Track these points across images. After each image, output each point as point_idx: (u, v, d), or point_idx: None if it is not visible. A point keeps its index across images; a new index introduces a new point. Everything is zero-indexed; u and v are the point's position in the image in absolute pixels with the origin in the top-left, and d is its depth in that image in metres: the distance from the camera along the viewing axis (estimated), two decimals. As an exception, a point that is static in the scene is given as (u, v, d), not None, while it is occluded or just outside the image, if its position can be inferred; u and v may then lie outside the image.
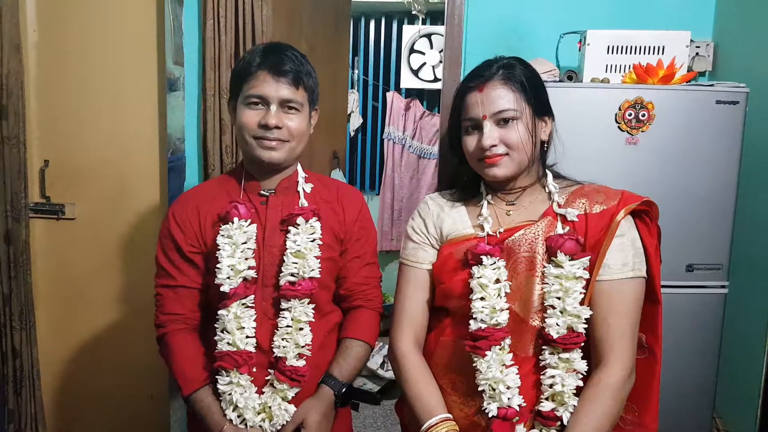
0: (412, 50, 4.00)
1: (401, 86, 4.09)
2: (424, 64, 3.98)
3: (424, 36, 3.97)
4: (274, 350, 1.23)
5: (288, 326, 1.23)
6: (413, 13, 3.83)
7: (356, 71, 4.15)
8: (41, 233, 2.15)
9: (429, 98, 4.15)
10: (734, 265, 1.60)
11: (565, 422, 1.09)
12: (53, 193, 2.13)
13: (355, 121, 4.16)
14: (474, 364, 1.12)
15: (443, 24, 3.85)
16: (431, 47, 3.97)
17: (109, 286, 2.17)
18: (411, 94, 4.14)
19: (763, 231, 1.66)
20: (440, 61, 3.91)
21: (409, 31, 3.99)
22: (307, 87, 1.26)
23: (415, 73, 4.01)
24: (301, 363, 1.23)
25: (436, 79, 3.97)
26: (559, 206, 1.16)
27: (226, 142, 1.94)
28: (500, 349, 1.11)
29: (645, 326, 1.18)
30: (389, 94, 4.13)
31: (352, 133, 4.18)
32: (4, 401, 2.07)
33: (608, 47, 1.68)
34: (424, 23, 4.03)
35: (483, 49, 1.91)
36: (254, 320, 1.23)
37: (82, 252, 2.16)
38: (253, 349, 1.22)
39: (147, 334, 2.08)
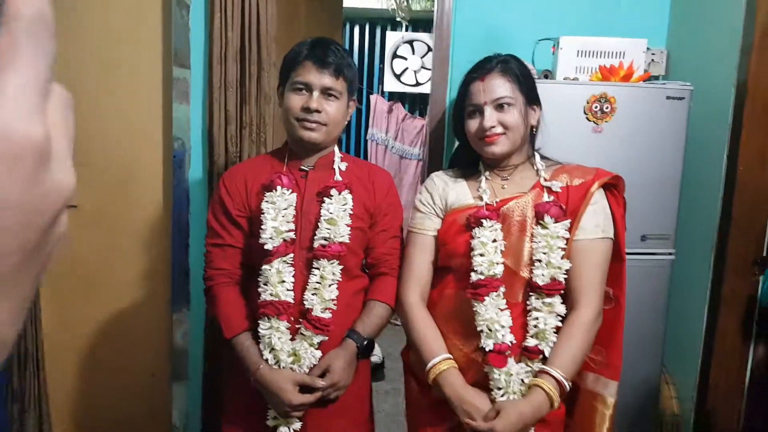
0: (395, 55, 4.22)
1: (384, 89, 4.29)
2: (407, 69, 4.21)
3: (407, 42, 4.21)
4: (305, 303, 1.39)
5: (317, 282, 1.39)
6: (397, 20, 4.06)
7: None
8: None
9: (411, 101, 4.35)
10: (680, 235, 1.85)
11: (546, 355, 1.33)
12: None
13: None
14: (474, 309, 1.34)
15: (425, 31, 4.12)
16: (413, 53, 4.21)
17: (110, 272, 2.23)
18: (393, 97, 4.34)
19: (703, 206, 1.91)
20: (422, 67, 4.12)
21: (393, 38, 4.22)
22: (346, 78, 1.41)
23: (398, 77, 4.23)
24: (327, 315, 1.38)
25: (417, 84, 4.20)
26: (546, 180, 1.41)
27: (230, 133, 2.07)
28: (496, 295, 1.34)
29: (612, 281, 1.43)
30: (372, 97, 4.32)
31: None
32: (9, 381, 2.11)
33: (578, 51, 1.94)
34: (407, 30, 4.26)
35: (468, 51, 2.13)
36: (293, 276, 1.39)
37: (87, 239, 2.20)
38: (291, 300, 1.38)
39: (150, 317, 2.25)
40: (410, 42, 4.20)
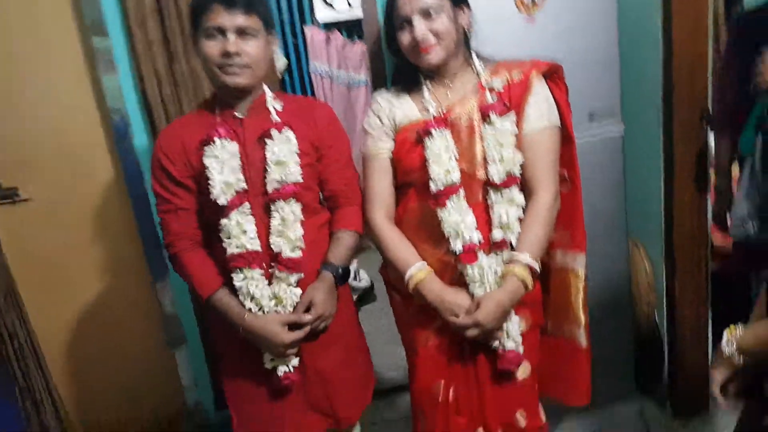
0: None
1: (319, 20, 4.13)
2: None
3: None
4: (273, 247, 1.39)
5: (280, 225, 1.40)
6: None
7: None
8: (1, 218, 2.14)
9: (347, 28, 4.21)
10: (626, 109, 1.90)
11: (514, 244, 1.41)
12: (3, 178, 2.13)
13: (280, 63, 4.20)
14: (439, 216, 1.40)
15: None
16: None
17: (83, 257, 2.23)
18: (329, 27, 4.19)
19: (645, 79, 1.96)
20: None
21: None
22: (259, 13, 1.36)
23: (329, 4, 4.08)
24: (297, 254, 1.41)
25: (350, 6, 4.04)
26: (487, 81, 1.43)
27: (166, 94, 2.00)
28: (457, 199, 1.40)
29: (565, 163, 1.50)
30: (307, 29, 4.15)
31: (280, 76, 4.22)
32: (14, 381, 2.13)
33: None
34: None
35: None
36: (254, 224, 1.39)
37: (47, 230, 2.19)
38: (259, 248, 1.38)
39: (134, 292, 2.28)
40: (333, -35, 4.03)
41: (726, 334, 1.10)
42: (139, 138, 2.11)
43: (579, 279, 1.56)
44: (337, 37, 4.16)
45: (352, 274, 3.43)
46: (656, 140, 1.93)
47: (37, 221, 2.19)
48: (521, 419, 1.49)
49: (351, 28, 4.21)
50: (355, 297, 3.37)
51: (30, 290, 2.21)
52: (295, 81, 4.30)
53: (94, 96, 2.11)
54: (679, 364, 2.02)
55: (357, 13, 3.98)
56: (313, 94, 4.20)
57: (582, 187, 1.54)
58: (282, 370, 1.45)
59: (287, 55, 4.24)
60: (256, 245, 1.39)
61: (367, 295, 3.44)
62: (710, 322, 1.98)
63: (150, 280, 2.27)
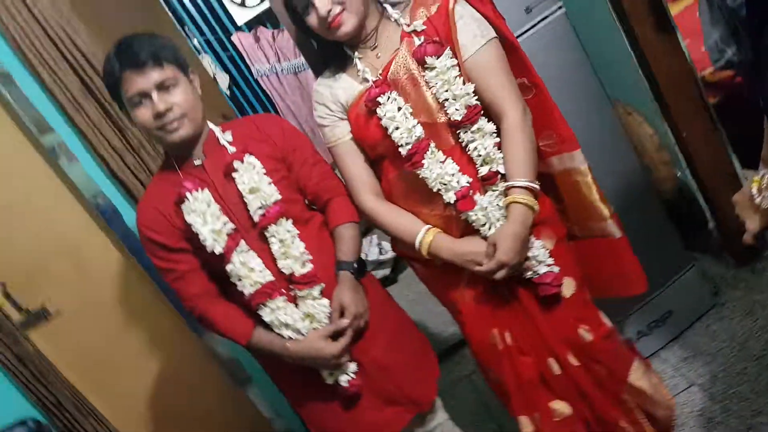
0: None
1: (239, 24, 4.04)
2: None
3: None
4: (284, 271, 1.38)
5: (280, 248, 1.38)
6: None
7: (194, 38, 4.08)
8: (45, 343, 2.14)
9: (268, 19, 4.11)
10: None
11: (502, 172, 1.34)
12: (29, 300, 2.12)
13: (223, 80, 4.14)
14: (420, 176, 1.34)
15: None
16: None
17: (125, 343, 2.26)
18: (252, 25, 4.10)
19: None
20: None
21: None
22: (169, 60, 1.33)
23: (242, 3, 3.96)
24: (308, 267, 1.39)
25: (260, 3, 3.93)
26: (408, 26, 1.35)
27: (131, 163, 2.00)
28: (430, 153, 1.33)
29: (519, 71, 1.41)
30: (234, 38, 4.08)
31: (228, 92, 4.17)
32: None
33: None
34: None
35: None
36: (257, 257, 1.37)
37: (84, 333, 2.20)
38: (272, 278, 1.37)
39: (183, 354, 2.29)
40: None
41: (753, 187, 1.03)
42: (127, 212, 2.11)
43: (585, 174, 1.49)
44: (264, 32, 4.06)
45: (376, 249, 3.47)
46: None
47: (72, 329, 2.21)
48: (586, 334, 1.44)
49: (273, 18, 4.10)
50: (388, 269, 3.42)
51: (93, 392, 2.24)
52: (245, 90, 4.24)
53: (69, 191, 2.11)
54: (721, 212, 1.94)
55: (267, 2, 3.85)
56: (265, 95, 4.14)
57: (549, 83, 1.45)
58: (344, 379, 1.45)
59: (227, 70, 4.17)
60: (268, 276, 1.38)
61: (398, 264, 3.40)
62: (734, 158, 1.89)
63: (195, 336, 2.30)
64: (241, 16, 3.98)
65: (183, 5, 4.04)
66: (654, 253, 1.80)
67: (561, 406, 1.47)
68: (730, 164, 1.91)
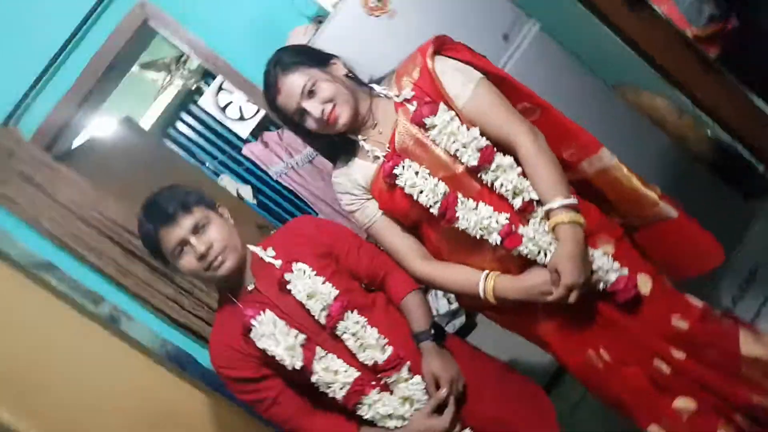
0: (222, 110, 4.12)
1: (244, 137, 4.21)
2: (230, 103, 4.08)
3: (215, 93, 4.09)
4: (367, 363, 1.38)
5: (355, 342, 1.38)
6: (192, 88, 3.96)
7: (207, 164, 4.27)
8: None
9: (270, 122, 4.25)
10: (528, 7, 1.83)
11: (536, 198, 1.34)
12: None
13: (247, 193, 4.28)
14: (460, 229, 1.35)
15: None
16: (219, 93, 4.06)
17: None
18: (256, 133, 4.26)
19: None
20: (247, 100, 3.99)
21: (205, 101, 4.10)
22: (196, 204, 1.38)
23: (240, 118, 4.14)
24: (389, 351, 1.39)
25: (257, 112, 4.11)
26: (398, 96, 1.40)
27: (186, 305, 2.10)
28: (461, 204, 1.35)
29: (518, 97, 1.44)
30: (245, 151, 4.24)
31: (255, 201, 4.30)
32: None
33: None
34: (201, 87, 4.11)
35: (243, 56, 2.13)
36: (337, 358, 1.37)
37: None
38: (357, 373, 1.37)
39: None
40: (217, 90, 4.09)
41: None
42: (198, 353, 2.17)
43: (618, 168, 1.47)
44: (270, 136, 4.21)
45: (444, 301, 3.43)
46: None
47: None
48: (680, 323, 1.38)
49: (269, 122, 4.24)
50: (463, 317, 3.36)
51: None
52: (269, 194, 4.37)
53: (137, 351, 2.14)
54: (764, 152, 1.87)
55: (262, 111, 4.03)
56: (289, 191, 4.26)
57: (551, 97, 1.46)
58: None
59: (248, 182, 4.31)
60: (353, 373, 1.38)
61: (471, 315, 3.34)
62: (754, 97, 1.84)
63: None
64: (244, 129, 4.16)
65: (189, 139, 4.27)
66: (718, 218, 1.73)
67: (685, 403, 1.39)
68: (752, 104, 1.85)
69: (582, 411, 2.28)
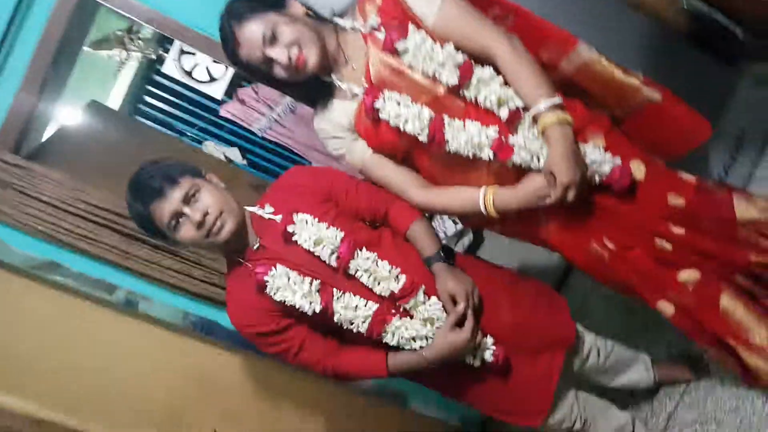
0: (189, 74, 4.01)
1: (219, 98, 4.11)
2: (196, 65, 3.98)
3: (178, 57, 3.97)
4: (383, 295, 1.40)
5: (369, 278, 1.40)
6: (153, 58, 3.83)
7: (188, 133, 4.20)
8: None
9: (243, 79, 4.13)
10: None
11: (521, 105, 1.33)
12: None
13: (234, 154, 4.23)
14: (451, 151, 1.35)
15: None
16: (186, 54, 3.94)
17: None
18: (230, 93, 4.15)
19: None
20: (214, 60, 3.86)
21: (169, 68, 3.97)
22: (181, 174, 1.37)
23: (211, 80, 4.04)
24: (402, 279, 1.41)
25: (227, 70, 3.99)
26: (364, 26, 1.36)
27: (178, 268, 2.11)
28: (448, 126, 1.34)
29: (488, 4, 1.40)
30: (222, 112, 4.15)
31: (246, 161, 4.26)
32: None
33: None
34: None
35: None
36: (354, 296, 1.40)
37: None
38: (376, 306, 1.39)
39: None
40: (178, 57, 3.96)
41: None
42: (221, 317, 2.22)
43: (599, 61, 1.44)
44: (246, 92, 4.12)
45: (450, 222, 3.47)
46: None
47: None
48: (676, 199, 1.42)
49: (241, 78, 4.13)
50: (470, 234, 3.40)
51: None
52: (258, 151, 4.31)
53: (162, 329, 2.23)
54: (741, 15, 1.82)
55: (231, 70, 3.92)
56: (277, 144, 4.21)
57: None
58: (488, 355, 1.47)
59: (233, 143, 4.26)
60: (373, 305, 1.41)
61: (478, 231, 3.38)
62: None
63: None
64: (217, 90, 4.06)
65: (162, 111, 4.18)
66: (704, 89, 1.74)
67: (689, 275, 1.45)
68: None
69: (593, 302, 2.37)
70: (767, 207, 1.50)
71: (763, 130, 1.95)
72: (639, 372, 1.83)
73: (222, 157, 4.10)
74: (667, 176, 1.45)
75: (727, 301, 1.43)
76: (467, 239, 3.37)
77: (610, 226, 1.44)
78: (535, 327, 1.55)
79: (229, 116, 4.15)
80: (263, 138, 4.20)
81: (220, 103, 4.14)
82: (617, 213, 1.42)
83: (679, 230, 1.42)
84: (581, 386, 1.75)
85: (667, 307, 1.48)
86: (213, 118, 4.21)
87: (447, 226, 3.38)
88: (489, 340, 1.47)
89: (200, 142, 4.19)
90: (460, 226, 3.34)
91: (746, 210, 1.44)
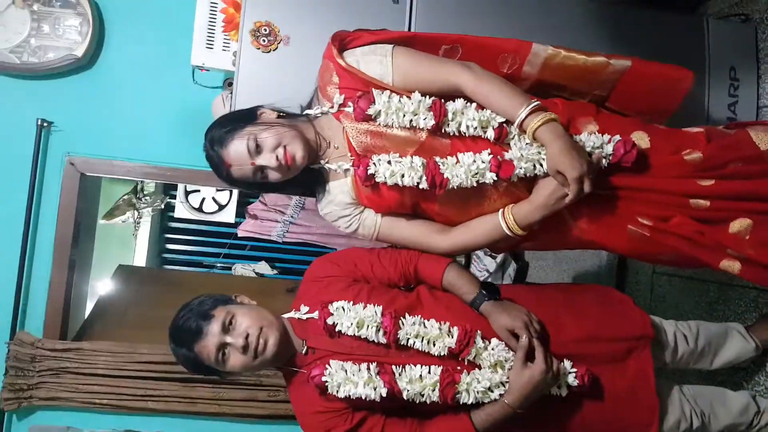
0: (199, 210, 4.14)
1: (232, 221, 4.22)
2: (204, 199, 4.12)
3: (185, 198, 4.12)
4: (442, 354, 1.35)
5: (420, 341, 1.35)
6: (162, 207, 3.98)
7: (218, 265, 4.29)
8: None
9: (248, 195, 4.26)
10: None
11: (503, 122, 1.34)
12: None
13: (264, 268, 4.29)
14: (455, 188, 1.35)
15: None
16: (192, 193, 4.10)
17: None
18: (241, 211, 4.27)
19: None
20: (217, 189, 4.01)
21: (179, 211, 4.11)
22: (213, 307, 1.38)
23: (220, 209, 4.16)
24: (455, 331, 1.35)
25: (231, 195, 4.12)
26: (332, 106, 1.40)
27: (240, 396, 2.11)
28: (443, 166, 1.35)
29: (434, 45, 1.45)
30: (240, 233, 4.25)
31: (275, 271, 4.31)
32: None
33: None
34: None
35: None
36: (415, 367, 1.35)
37: None
38: (441, 367, 1.33)
39: None
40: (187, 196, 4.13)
41: None
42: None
43: (557, 54, 1.47)
44: (255, 207, 4.23)
45: (488, 258, 3.42)
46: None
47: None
48: (693, 155, 1.37)
49: (249, 197, 4.25)
50: (513, 263, 3.34)
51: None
52: (283, 257, 4.38)
53: None
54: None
55: (235, 192, 4.04)
56: (299, 244, 4.26)
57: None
58: (572, 379, 1.38)
59: (259, 258, 4.33)
60: (437, 370, 1.35)
61: (519, 258, 3.33)
62: None
63: None
64: (228, 215, 4.18)
65: (186, 252, 4.30)
66: (678, 45, 1.75)
67: (739, 224, 1.38)
68: None
69: (659, 287, 2.26)
70: None
71: (750, 60, 1.93)
72: (737, 343, 1.70)
73: (253, 274, 4.16)
74: (674, 136, 1.43)
75: None
76: (511, 269, 3.31)
77: (638, 204, 1.40)
78: (609, 333, 1.46)
79: (247, 234, 4.24)
80: (284, 243, 4.27)
81: (235, 225, 4.25)
82: (640, 188, 1.39)
83: (708, 183, 1.37)
84: (684, 381, 1.64)
85: (731, 265, 1.40)
86: (233, 241, 4.30)
87: (487, 263, 3.33)
88: (567, 363, 1.39)
89: (230, 268, 4.27)
90: (500, 258, 3.29)
91: (763, 139, 1.40)
